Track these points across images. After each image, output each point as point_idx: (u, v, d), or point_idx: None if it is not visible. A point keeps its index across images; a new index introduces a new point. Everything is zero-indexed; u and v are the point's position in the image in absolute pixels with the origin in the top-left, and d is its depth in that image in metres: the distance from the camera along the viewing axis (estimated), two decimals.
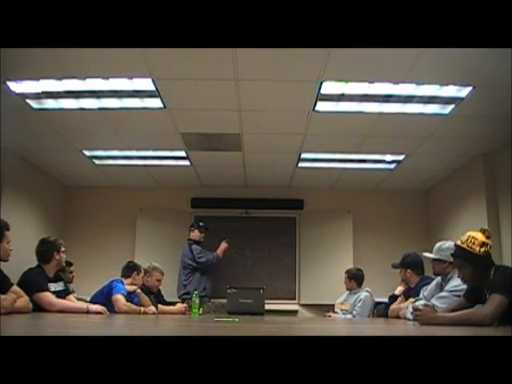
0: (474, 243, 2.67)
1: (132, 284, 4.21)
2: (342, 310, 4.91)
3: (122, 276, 4.25)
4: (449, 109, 4.27)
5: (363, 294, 4.79)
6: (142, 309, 3.99)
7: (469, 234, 2.74)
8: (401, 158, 5.64)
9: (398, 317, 3.74)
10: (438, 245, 3.50)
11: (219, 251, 6.15)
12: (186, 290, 5.65)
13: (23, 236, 4.47)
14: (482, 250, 2.65)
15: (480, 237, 2.68)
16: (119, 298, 3.89)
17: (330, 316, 4.90)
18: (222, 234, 6.41)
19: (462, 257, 2.75)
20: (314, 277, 6.71)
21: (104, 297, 3.88)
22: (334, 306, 5.17)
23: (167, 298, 5.03)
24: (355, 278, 4.94)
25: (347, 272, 5.08)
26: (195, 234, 6.11)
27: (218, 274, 6.28)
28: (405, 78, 3.76)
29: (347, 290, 5.02)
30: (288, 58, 3.48)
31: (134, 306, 3.96)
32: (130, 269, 4.30)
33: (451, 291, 3.11)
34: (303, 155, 5.61)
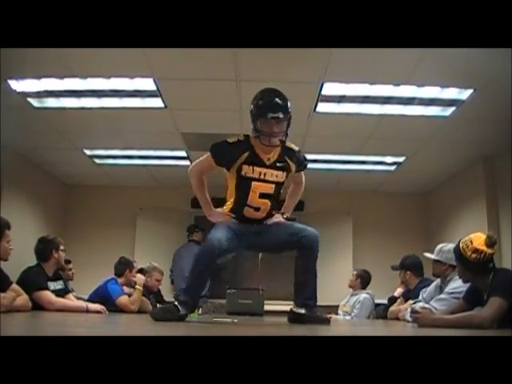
0: (467, 246, 2.66)
1: (125, 283, 4.11)
2: (343, 311, 4.91)
3: (115, 274, 4.15)
4: (450, 111, 4.27)
5: (362, 296, 4.78)
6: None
7: (471, 235, 2.72)
8: (401, 159, 5.64)
9: (397, 318, 3.74)
10: (439, 246, 3.49)
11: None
12: None
13: (23, 234, 4.46)
14: (473, 256, 2.62)
15: (478, 242, 2.64)
16: (124, 302, 3.82)
17: (330, 317, 4.90)
18: None
19: (456, 256, 2.75)
20: None
21: (99, 297, 3.81)
22: (333, 307, 5.16)
23: (167, 298, 5.03)
24: (361, 278, 4.91)
25: (356, 270, 5.05)
26: (199, 236, 6.13)
27: (217, 274, 6.27)
28: (406, 79, 3.76)
29: (349, 287, 4.98)
30: (289, 59, 3.48)
31: (141, 302, 3.92)
32: (122, 265, 4.17)
33: (450, 293, 3.10)
34: None
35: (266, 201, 2.67)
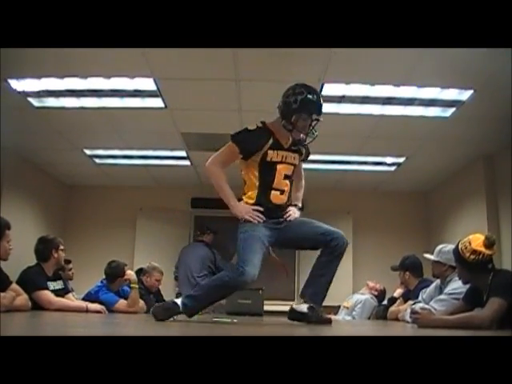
0: (466, 248, 2.66)
1: (117, 288, 3.98)
2: (343, 306, 4.92)
3: (106, 278, 3.99)
4: (450, 112, 4.26)
5: (364, 296, 4.79)
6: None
7: (470, 236, 2.72)
8: (401, 160, 5.64)
9: (396, 319, 3.74)
10: (439, 247, 3.50)
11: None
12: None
13: (23, 235, 4.46)
14: (472, 257, 2.62)
15: (476, 243, 2.64)
16: (122, 308, 3.75)
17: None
18: (222, 234, 6.38)
19: (455, 257, 2.75)
20: None
21: (92, 301, 3.70)
22: (333, 307, 5.16)
23: (166, 298, 5.02)
24: (378, 293, 4.85)
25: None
26: (210, 238, 5.98)
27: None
28: (406, 80, 3.76)
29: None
30: (289, 59, 3.48)
31: (139, 303, 3.87)
32: (113, 271, 3.96)
33: (450, 294, 3.10)
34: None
35: (288, 182, 2.77)
